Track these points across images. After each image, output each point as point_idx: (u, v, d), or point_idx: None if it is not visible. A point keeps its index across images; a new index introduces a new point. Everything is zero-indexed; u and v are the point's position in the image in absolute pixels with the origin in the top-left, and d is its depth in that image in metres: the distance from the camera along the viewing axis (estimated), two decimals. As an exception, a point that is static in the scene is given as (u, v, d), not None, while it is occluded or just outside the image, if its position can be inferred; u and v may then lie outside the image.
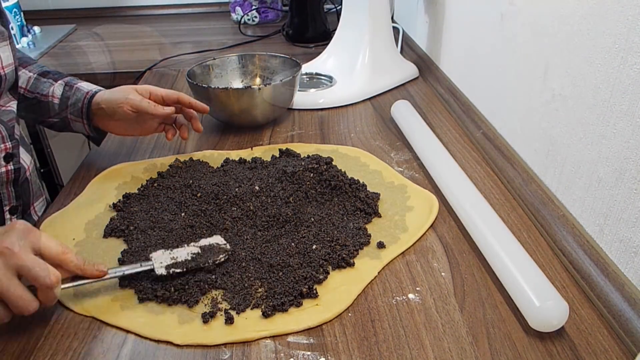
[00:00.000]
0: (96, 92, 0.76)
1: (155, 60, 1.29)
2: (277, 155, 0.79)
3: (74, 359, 0.48)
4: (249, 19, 1.59)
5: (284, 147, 0.81)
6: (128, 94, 0.73)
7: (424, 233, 0.63)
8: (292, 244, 0.59)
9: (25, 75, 0.78)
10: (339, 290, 0.54)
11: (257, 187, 0.69)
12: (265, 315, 0.51)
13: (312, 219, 0.63)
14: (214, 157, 0.80)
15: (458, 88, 0.95)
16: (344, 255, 0.58)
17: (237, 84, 1.00)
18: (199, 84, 0.86)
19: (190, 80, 0.88)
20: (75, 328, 0.51)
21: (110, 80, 1.33)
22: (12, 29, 1.41)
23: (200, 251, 0.57)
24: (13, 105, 0.71)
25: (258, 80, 1.01)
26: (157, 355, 0.48)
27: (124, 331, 0.50)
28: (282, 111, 0.94)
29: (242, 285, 0.54)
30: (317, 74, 1.10)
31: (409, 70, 1.12)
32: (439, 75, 1.04)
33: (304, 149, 0.82)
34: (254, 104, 0.85)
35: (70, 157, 1.46)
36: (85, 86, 0.78)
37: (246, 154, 0.81)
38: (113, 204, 0.68)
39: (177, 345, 0.49)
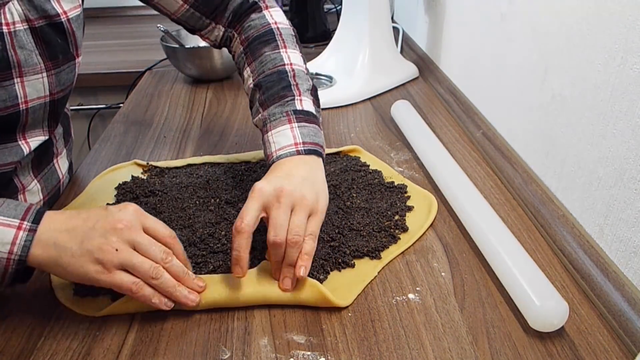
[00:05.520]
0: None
1: (155, 60, 1.29)
2: None
3: (74, 359, 0.48)
4: (249, 19, 1.59)
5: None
6: None
7: (424, 233, 0.63)
8: (292, 244, 0.59)
9: None
10: (339, 290, 0.54)
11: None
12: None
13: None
14: (215, 159, 0.80)
15: (458, 88, 0.95)
16: (344, 256, 0.58)
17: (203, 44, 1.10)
18: (172, 45, 1.11)
19: (164, 43, 1.12)
20: (75, 328, 0.51)
21: (111, 80, 1.33)
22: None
23: None
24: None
25: None
26: (157, 355, 0.48)
27: (124, 331, 0.50)
28: (234, 69, 1.16)
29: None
30: (317, 74, 1.10)
31: (409, 70, 1.12)
32: (439, 75, 1.04)
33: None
34: (214, 59, 1.11)
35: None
36: None
37: (249, 157, 0.81)
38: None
39: (178, 346, 0.49)
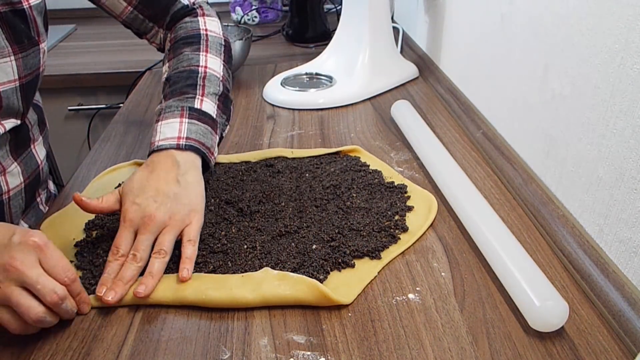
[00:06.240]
0: None
1: (155, 60, 1.29)
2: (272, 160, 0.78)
3: (74, 359, 0.48)
4: (249, 19, 1.59)
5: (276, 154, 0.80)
6: None
7: (424, 233, 0.63)
8: (292, 244, 0.59)
9: None
10: (339, 290, 0.54)
11: (258, 188, 0.69)
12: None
13: (312, 219, 0.63)
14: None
15: (458, 88, 0.95)
16: (344, 256, 0.58)
17: None
18: None
19: None
20: (75, 328, 0.51)
21: (111, 80, 1.33)
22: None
23: None
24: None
25: None
26: (157, 355, 0.48)
27: (124, 331, 0.50)
28: (235, 67, 1.16)
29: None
30: (317, 74, 1.10)
31: (409, 70, 1.12)
32: (439, 75, 1.04)
33: (304, 154, 0.81)
34: None
35: (70, 157, 1.46)
36: None
37: (249, 157, 0.81)
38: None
39: (178, 346, 0.49)
